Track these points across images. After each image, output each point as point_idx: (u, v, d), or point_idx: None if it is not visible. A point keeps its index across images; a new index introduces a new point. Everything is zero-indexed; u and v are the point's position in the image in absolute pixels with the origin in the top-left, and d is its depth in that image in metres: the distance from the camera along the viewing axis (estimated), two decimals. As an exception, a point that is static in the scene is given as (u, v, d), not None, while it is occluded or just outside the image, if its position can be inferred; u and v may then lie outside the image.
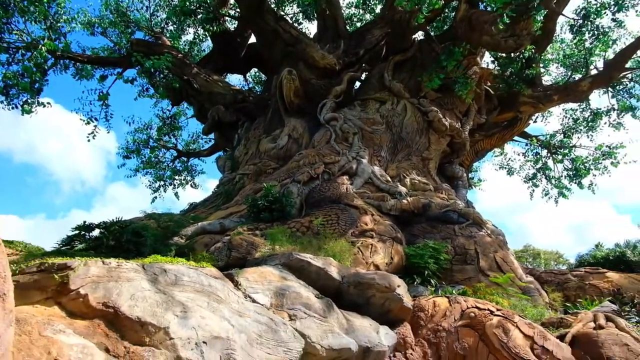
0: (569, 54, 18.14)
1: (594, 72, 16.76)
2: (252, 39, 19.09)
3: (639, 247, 13.98)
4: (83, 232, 7.23)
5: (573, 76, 18.31)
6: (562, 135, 20.90)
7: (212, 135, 19.97)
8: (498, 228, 11.33)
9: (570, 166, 20.23)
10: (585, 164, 19.54)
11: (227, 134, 17.74)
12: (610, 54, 16.81)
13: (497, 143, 18.61)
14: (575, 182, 19.92)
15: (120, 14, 17.90)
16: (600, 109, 19.54)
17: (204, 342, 3.58)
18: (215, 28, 16.49)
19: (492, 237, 10.58)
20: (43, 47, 12.85)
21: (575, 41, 17.32)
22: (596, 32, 16.28)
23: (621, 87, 18.11)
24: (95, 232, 7.35)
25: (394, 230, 9.90)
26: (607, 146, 18.77)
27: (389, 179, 12.70)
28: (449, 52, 13.86)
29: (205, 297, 4.24)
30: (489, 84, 16.40)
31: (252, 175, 13.58)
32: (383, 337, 5.53)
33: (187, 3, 15.93)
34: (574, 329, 5.91)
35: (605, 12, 15.20)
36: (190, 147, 23.00)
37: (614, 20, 15.56)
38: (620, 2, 14.71)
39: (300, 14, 20.48)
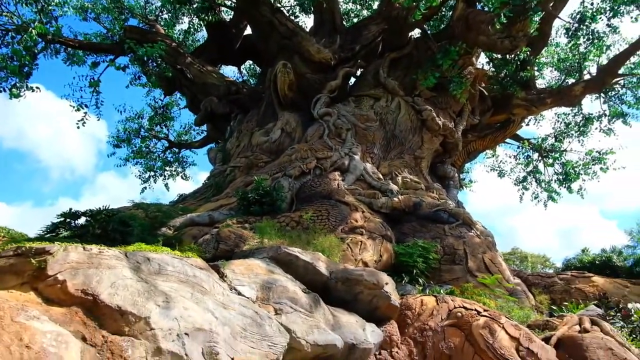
0: (563, 57, 18.23)
1: (587, 77, 16.89)
2: (248, 31, 18.91)
3: (625, 253, 14.14)
4: (69, 220, 7.12)
5: (566, 80, 18.42)
6: (554, 139, 21.05)
7: (204, 127, 19.75)
8: (487, 229, 11.39)
9: (560, 170, 20.37)
10: (575, 169, 19.69)
11: (220, 126, 17.54)
12: (604, 60, 16.95)
13: (489, 144, 18.68)
14: (564, 186, 20.07)
15: (114, 0, 17.58)
16: (592, 114, 19.75)
17: (185, 334, 3.50)
18: (210, 18, 16.28)
19: (481, 238, 10.61)
20: (33, 31, 12.54)
21: (570, 45, 17.43)
22: (591, 37, 16.41)
23: (613, 93, 18.31)
24: (82, 220, 7.22)
25: (384, 228, 9.88)
26: (597, 152, 18.94)
27: (381, 176, 12.69)
28: (445, 50, 13.85)
29: (190, 287, 4.15)
30: (483, 85, 16.41)
31: (244, 168, 13.44)
32: (369, 334, 5.49)
33: (183, -9, 15.74)
34: (559, 332, 5.92)
35: (600, 17, 15.32)
36: (182, 138, 22.72)
37: (609, 25, 15.71)
38: (616, 7, 14.81)
39: (297, 7, 20.24)
